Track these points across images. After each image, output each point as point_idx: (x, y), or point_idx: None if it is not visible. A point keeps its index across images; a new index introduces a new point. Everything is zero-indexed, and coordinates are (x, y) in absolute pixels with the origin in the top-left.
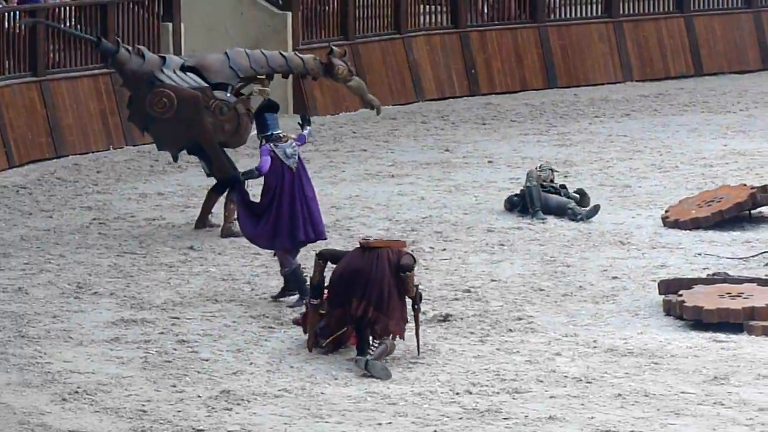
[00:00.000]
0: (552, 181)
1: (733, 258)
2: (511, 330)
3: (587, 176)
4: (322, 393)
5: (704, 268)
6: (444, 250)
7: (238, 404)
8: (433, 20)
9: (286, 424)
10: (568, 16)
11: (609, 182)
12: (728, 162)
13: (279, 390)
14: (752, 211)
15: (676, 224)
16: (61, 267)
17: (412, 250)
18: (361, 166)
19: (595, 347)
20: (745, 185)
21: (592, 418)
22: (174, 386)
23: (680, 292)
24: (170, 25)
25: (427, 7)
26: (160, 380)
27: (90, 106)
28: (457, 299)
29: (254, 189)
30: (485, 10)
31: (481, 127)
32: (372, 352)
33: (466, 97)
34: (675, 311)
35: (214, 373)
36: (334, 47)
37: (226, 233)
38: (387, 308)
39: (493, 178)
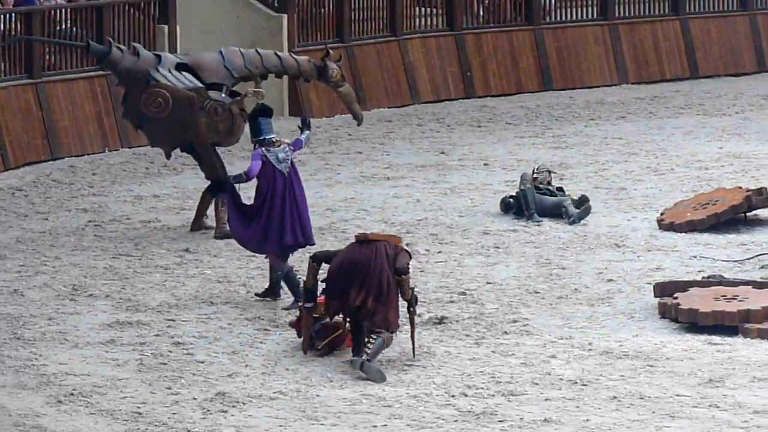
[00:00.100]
0: (549, 183)
1: (728, 261)
2: (506, 332)
3: (582, 179)
4: (317, 395)
5: (699, 271)
6: (439, 252)
7: (234, 406)
8: (429, 23)
9: (281, 426)
10: (563, 18)
11: (604, 185)
12: (724, 165)
13: (274, 392)
14: (747, 214)
15: (671, 227)
16: (57, 269)
17: (407, 244)
18: (357, 168)
19: (590, 350)
20: (740, 188)
21: (588, 420)
22: (169, 388)
23: (675, 295)
24: (166, 27)
25: (423, 9)
26: (156, 382)
27: (85, 108)
28: (452, 302)
29: (249, 192)
30: (481, 13)
31: (476, 129)
32: (369, 348)
33: (461, 100)
34: (670, 314)
35: (209, 375)
36: (330, 50)
37: (220, 235)
38: (386, 299)
39: (489, 180)
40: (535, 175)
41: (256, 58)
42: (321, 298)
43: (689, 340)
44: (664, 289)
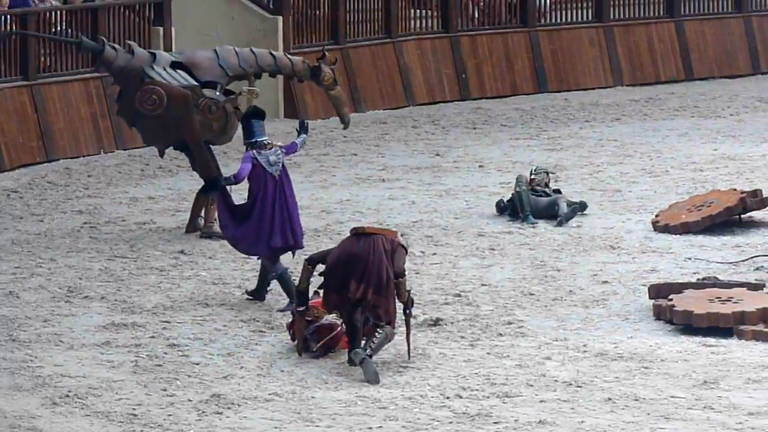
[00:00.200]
0: (547, 185)
1: (723, 262)
2: (501, 334)
3: (578, 181)
4: (312, 397)
5: (694, 273)
6: (434, 254)
7: (229, 408)
8: (424, 25)
9: (276, 428)
10: (558, 20)
11: (599, 187)
12: (718, 166)
13: (269, 394)
14: (742, 216)
15: (666, 229)
16: (52, 271)
17: (402, 234)
18: (352, 170)
19: (585, 351)
20: (735, 190)
21: (582, 422)
22: (165, 390)
23: (670, 297)
24: (161, 29)
25: (418, 11)
26: (151, 384)
27: (81, 110)
28: (447, 303)
29: (244, 193)
30: (476, 15)
31: (471, 131)
32: (373, 342)
33: (456, 102)
34: (665, 315)
35: (204, 377)
36: (327, 52)
37: (207, 233)
38: (387, 291)
39: (484, 182)
40: (532, 177)
41: (250, 56)
42: (314, 301)
43: (684, 341)
44: (659, 291)
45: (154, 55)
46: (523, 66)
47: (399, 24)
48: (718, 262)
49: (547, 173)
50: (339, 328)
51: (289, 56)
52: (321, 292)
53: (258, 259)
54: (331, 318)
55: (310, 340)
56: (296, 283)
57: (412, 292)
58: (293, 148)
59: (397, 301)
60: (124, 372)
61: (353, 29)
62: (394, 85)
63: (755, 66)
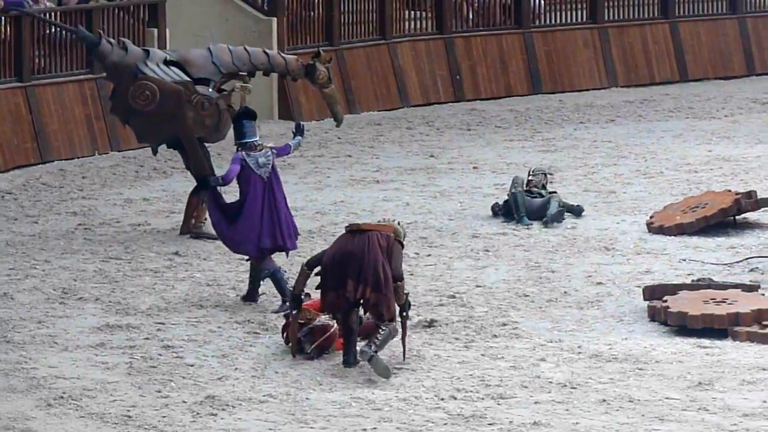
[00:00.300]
0: (544, 186)
1: (717, 264)
2: (495, 336)
3: (572, 182)
4: (307, 398)
5: (689, 274)
6: (429, 255)
7: (223, 410)
8: (418, 26)
9: (271, 429)
10: (553, 22)
11: (594, 188)
12: (713, 168)
13: (264, 395)
14: (737, 217)
15: (660, 230)
16: (47, 272)
17: (399, 223)
18: (346, 171)
19: (579, 353)
20: (729, 191)
21: (577, 423)
22: (159, 392)
23: (665, 298)
24: (155, 30)
25: (412, 12)
26: (145, 386)
27: (75, 111)
28: (442, 305)
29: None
30: (470, 16)
31: (466, 132)
32: (377, 340)
33: (451, 103)
34: (659, 317)
35: (199, 378)
36: (321, 51)
37: (195, 233)
38: (386, 288)
39: (478, 183)
40: (530, 178)
41: (243, 55)
42: (308, 303)
43: (678, 343)
44: (654, 292)
45: (147, 52)
46: (518, 67)
47: (393, 25)
48: (712, 264)
49: (545, 175)
50: (333, 329)
51: (282, 54)
52: (310, 295)
53: (247, 260)
54: (324, 319)
55: (304, 342)
56: (293, 285)
57: (408, 294)
58: (286, 149)
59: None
60: (118, 373)
61: (347, 30)
62: (388, 86)
63: (750, 67)
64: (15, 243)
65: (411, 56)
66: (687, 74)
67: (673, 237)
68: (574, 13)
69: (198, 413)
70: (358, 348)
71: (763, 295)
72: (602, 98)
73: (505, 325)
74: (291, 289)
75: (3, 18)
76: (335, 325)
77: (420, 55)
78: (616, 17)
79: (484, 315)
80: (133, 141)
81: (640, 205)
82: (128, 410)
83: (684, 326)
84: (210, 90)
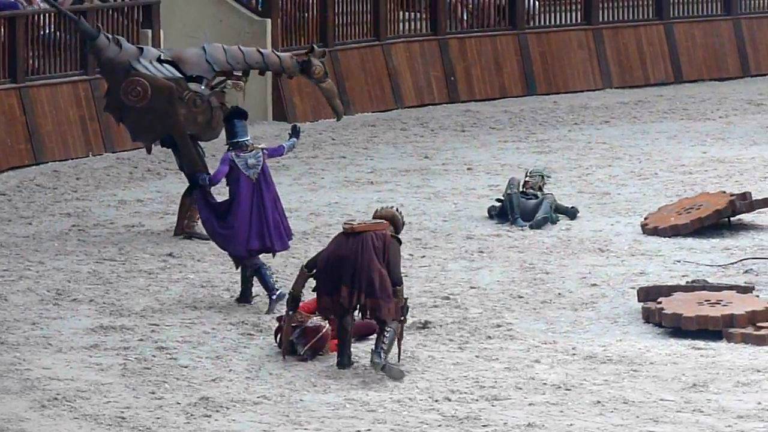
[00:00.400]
0: (540, 188)
1: (712, 265)
2: (490, 337)
3: (566, 183)
4: (301, 400)
5: (683, 276)
6: (423, 257)
7: (217, 411)
8: (413, 27)
9: (265, 431)
10: (547, 23)
11: (588, 189)
12: (707, 169)
13: (258, 397)
14: (731, 219)
15: (655, 231)
16: (41, 274)
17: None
18: (341, 173)
19: (574, 354)
20: (724, 192)
21: (571, 425)
22: (153, 393)
23: (659, 300)
24: (149, 32)
25: (407, 14)
26: (139, 387)
27: (69, 112)
28: (436, 306)
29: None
30: (465, 18)
31: (460, 134)
32: (384, 344)
33: (445, 104)
34: (654, 318)
35: (193, 380)
36: (315, 47)
37: (188, 234)
38: (383, 292)
39: (473, 185)
40: (527, 179)
41: (238, 53)
42: (302, 304)
43: (673, 344)
44: (648, 294)
45: (141, 49)
46: (512, 68)
47: (387, 26)
48: (707, 265)
49: (542, 176)
50: (324, 330)
51: (276, 53)
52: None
53: (237, 267)
54: (316, 320)
55: (297, 344)
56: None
57: (407, 300)
58: (279, 151)
59: None
60: (112, 375)
61: (342, 32)
62: (382, 87)
63: (744, 68)
64: (9, 244)
65: (405, 57)
66: (681, 75)
67: (667, 238)
68: (568, 14)
69: (192, 414)
70: (368, 359)
71: (758, 296)
72: (597, 99)
73: (499, 326)
74: (290, 290)
75: None
76: (327, 325)
77: (414, 57)
78: (610, 18)
79: (479, 316)
80: (128, 142)
81: (634, 206)
82: (122, 411)
83: (678, 328)
84: (202, 87)
